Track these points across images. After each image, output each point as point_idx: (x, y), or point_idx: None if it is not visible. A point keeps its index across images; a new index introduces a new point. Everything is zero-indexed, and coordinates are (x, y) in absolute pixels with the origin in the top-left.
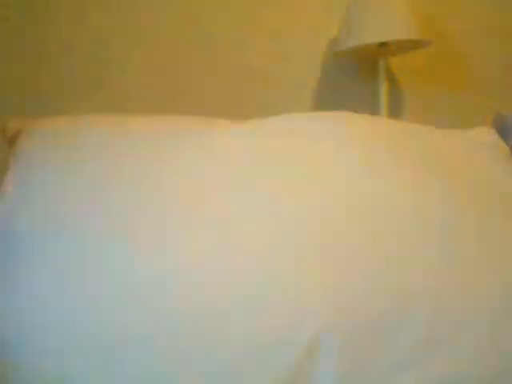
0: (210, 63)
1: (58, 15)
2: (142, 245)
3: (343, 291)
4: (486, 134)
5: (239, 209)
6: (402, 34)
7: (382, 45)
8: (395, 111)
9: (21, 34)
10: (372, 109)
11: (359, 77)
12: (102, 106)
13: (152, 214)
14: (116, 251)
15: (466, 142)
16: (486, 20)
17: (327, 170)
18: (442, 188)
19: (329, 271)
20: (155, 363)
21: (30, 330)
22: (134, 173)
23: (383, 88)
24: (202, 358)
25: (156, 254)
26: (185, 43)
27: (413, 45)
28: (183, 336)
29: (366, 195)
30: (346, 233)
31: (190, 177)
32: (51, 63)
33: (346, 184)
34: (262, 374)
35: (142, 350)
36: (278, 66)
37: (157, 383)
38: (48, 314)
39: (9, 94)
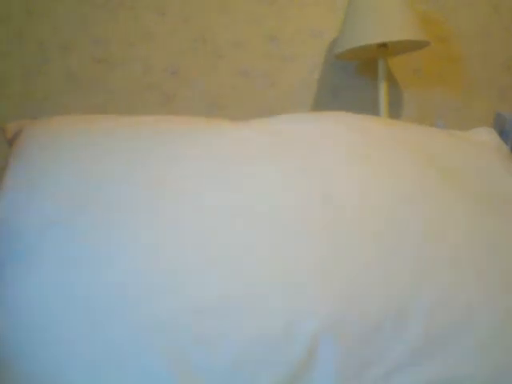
0: (210, 64)
1: (58, 15)
2: (140, 245)
3: (343, 292)
4: (485, 134)
5: (239, 209)
6: (401, 34)
7: (382, 45)
8: (395, 111)
9: (21, 34)
10: (372, 109)
11: (359, 77)
12: (102, 106)
13: (151, 214)
14: (114, 250)
15: (466, 142)
16: (485, 21)
17: (327, 171)
18: (443, 188)
19: (329, 272)
20: (155, 363)
21: (27, 329)
22: (133, 172)
23: (383, 88)
24: (202, 358)
25: (155, 254)
26: (185, 43)
27: (412, 45)
28: (183, 336)
29: (367, 195)
30: (347, 233)
31: (189, 177)
32: (51, 63)
33: (347, 184)
34: (261, 374)
35: (141, 349)
36: (277, 67)
37: (157, 383)
38: (46, 312)
39: (9, 94)
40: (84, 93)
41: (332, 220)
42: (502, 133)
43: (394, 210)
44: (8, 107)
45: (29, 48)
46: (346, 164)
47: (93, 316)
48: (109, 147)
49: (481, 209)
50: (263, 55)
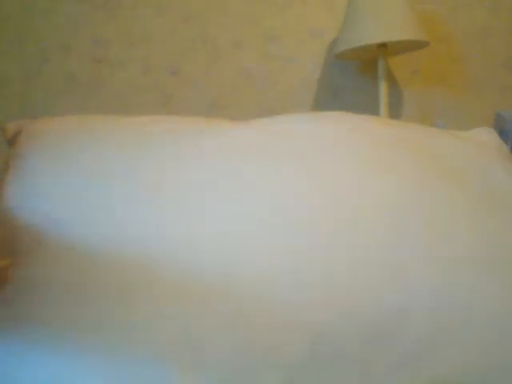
0: (210, 64)
1: (58, 15)
2: (140, 247)
3: (343, 291)
4: (486, 134)
5: (239, 210)
6: (401, 34)
7: (382, 45)
8: (395, 111)
9: (21, 34)
10: (372, 109)
11: (359, 77)
12: (102, 106)
13: (151, 214)
14: (114, 250)
15: (466, 142)
16: (485, 21)
17: (327, 170)
18: (443, 188)
19: (329, 272)
20: (156, 362)
21: (27, 328)
22: (133, 172)
23: (383, 88)
24: (202, 358)
25: (155, 255)
26: (185, 43)
27: (412, 45)
28: (183, 336)
29: (367, 195)
30: (347, 233)
31: (189, 177)
32: (51, 63)
33: (347, 184)
34: (262, 373)
35: (141, 349)
36: (277, 67)
37: (157, 381)
38: (46, 313)
39: (9, 94)
40: (84, 93)
41: (332, 220)
42: (502, 133)
43: (394, 210)
44: (8, 107)
45: (29, 48)
46: (345, 164)
47: (87, 319)
48: (108, 147)
49: (481, 209)
50: (263, 55)
